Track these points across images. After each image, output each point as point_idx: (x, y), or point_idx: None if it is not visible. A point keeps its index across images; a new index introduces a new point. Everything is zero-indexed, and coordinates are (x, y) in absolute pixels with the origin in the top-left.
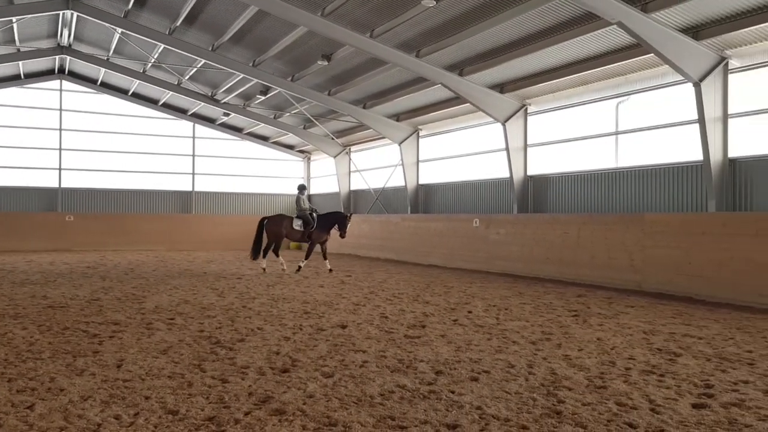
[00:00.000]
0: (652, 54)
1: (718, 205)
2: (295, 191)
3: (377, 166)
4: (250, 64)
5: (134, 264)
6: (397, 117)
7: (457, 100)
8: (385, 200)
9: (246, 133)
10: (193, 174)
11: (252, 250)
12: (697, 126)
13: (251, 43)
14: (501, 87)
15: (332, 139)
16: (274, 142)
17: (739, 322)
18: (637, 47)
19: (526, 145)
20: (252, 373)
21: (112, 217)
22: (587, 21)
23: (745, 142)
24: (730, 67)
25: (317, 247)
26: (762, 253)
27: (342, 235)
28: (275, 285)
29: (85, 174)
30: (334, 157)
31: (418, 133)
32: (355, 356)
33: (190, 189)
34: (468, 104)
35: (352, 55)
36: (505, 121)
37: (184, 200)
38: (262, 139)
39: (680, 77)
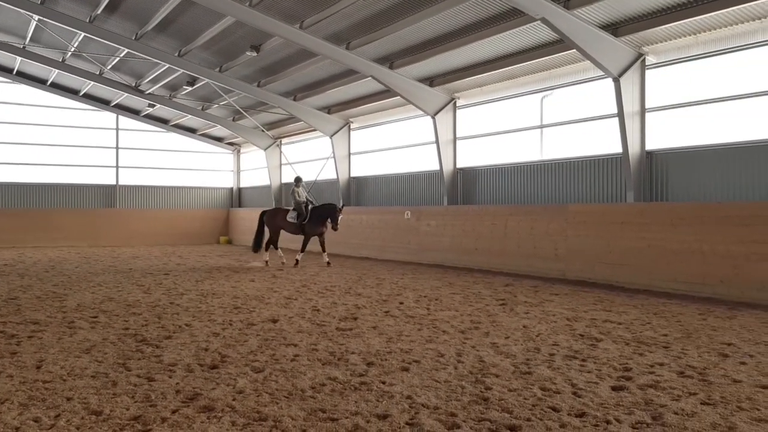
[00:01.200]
0: (574, 50)
1: (636, 196)
2: (221, 185)
3: (309, 158)
4: (176, 54)
5: (55, 261)
6: (329, 109)
7: (387, 93)
8: (317, 193)
9: (172, 125)
10: (117, 167)
11: (253, 243)
12: (616, 120)
13: (177, 32)
14: (431, 80)
15: (262, 131)
16: (202, 134)
17: (655, 307)
18: (560, 43)
19: (455, 138)
20: (180, 370)
21: (31, 212)
22: (513, 17)
23: (661, 136)
24: (647, 63)
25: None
26: (676, 241)
27: (334, 228)
28: (204, 280)
29: (1, 167)
30: (265, 149)
31: (349, 126)
32: (287, 350)
33: (114, 183)
34: (398, 97)
35: (282, 46)
36: (435, 115)
37: (108, 194)
38: (190, 131)
39: (601, 72)
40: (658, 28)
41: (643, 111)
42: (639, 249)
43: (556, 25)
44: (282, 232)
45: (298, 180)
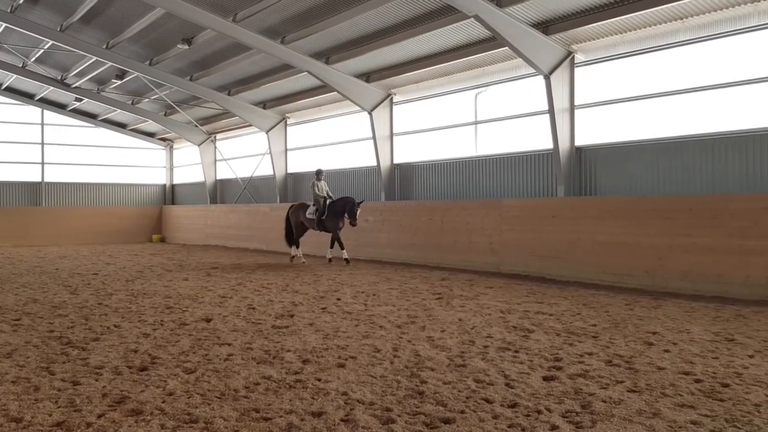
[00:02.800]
0: (507, 47)
1: (567, 191)
2: (153, 181)
3: (245, 154)
4: (104, 47)
5: None
6: (264, 104)
7: (324, 88)
8: (253, 189)
9: (101, 120)
10: (43, 163)
11: (285, 238)
12: (548, 116)
13: (104, 24)
14: (367, 76)
15: (196, 126)
16: (133, 130)
17: (585, 298)
18: (493, 41)
19: (392, 134)
20: (107, 373)
21: None
22: (448, 14)
23: (590, 132)
24: (576, 61)
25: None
26: (604, 234)
27: (352, 223)
28: (135, 280)
29: None
30: (199, 145)
31: (285, 121)
32: (220, 350)
33: (40, 180)
34: (335, 93)
35: (215, 39)
36: (372, 110)
37: (33, 192)
38: (120, 126)
39: (533, 70)
40: (586, 27)
41: (572, 108)
42: (569, 242)
43: (489, 22)
44: (309, 229)
45: (318, 173)
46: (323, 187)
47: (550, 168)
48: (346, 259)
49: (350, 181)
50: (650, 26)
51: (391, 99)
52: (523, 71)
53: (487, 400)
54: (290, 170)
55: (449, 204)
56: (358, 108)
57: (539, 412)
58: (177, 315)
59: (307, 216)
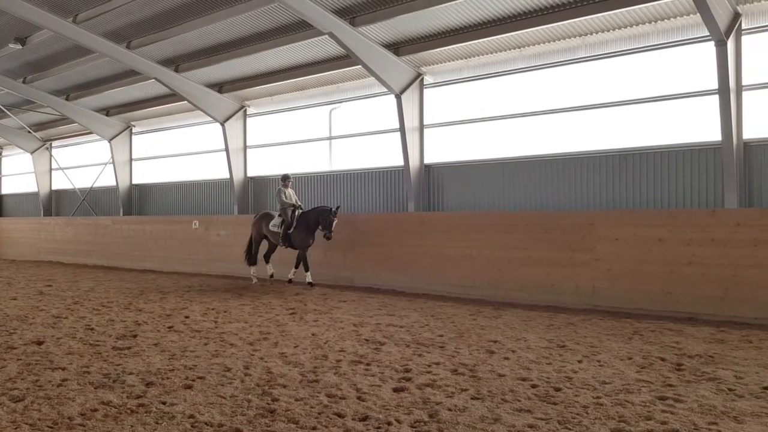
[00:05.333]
0: (360, 65)
1: (416, 206)
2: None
3: (84, 163)
4: None
5: None
6: (107, 111)
7: (174, 96)
8: (93, 201)
9: None
10: None
11: (245, 256)
12: (398, 134)
13: None
14: (220, 86)
15: (29, 132)
16: None
17: (433, 309)
18: (347, 58)
19: (245, 146)
20: None
21: None
22: (303, 29)
23: (438, 150)
24: (425, 83)
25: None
26: (451, 247)
27: (327, 236)
28: None
29: None
30: (32, 152)
31: (131, 130)
32: (53, 375)
33: None
34: (186, 102)
35: (53, 40)
36: (225, 122)
37: None
38: None
39: (385, 89)
40: (434, 51)
41: (422, 127)
42: (419, 255)
43: (343, 40)
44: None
45: (285, 178)
46: (291, 194)
47: (401, 184)
48: (309, 283)
49: (201, 193)
50: (492, 53)
51: (245, 111)
52: (375, 89)
53: (339, 415)
54: (135, 181)
55: None
56: (210, 119)
57: (389, 423)
58: (3, 338)
59: (271, 228)
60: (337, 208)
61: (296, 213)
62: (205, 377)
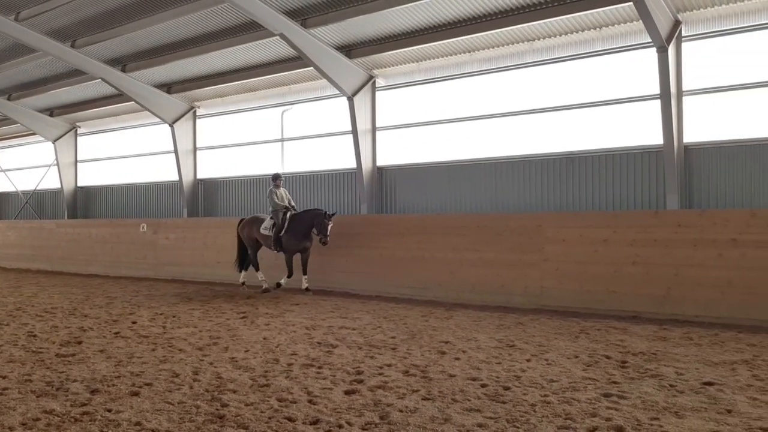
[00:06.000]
0: (312, 67)
1: (369, 208)
2: None
3: (27, 165)
4: None
5: None
6: (51, 112)
7: (121, 97)
8: (37, 204)
9: None
10: None
11: (236, 262)
12: (351, 136)
13: None
14: (168, 87)
15: None
16: None
17: (386, 311)
18: (299, 60)
19: (195, 148)
20: None
21: None
22: (253, 29)
23: (391, 153)
24: (377, 86)
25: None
26: (403, 249)
27: (323, 241)
28: None
29: None
30: None
31: (76, 131)
32: None
33: None
34: (134, 103)
35: None
36: (174, 123)
37: None
38: None
39: (337, 91)
40: (385, 54)
41: (374, 129)
42: (372, 257)
43: (294, 42)
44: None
45: (276, 177)
46: (284, 195)
47: (353, 186)
48: (278, 284)
49: (149, 196)
50: (443, 57)
51: (195, 112)
52: (328, 92)
53: (290, 419)
54: (81, 183)
55: None
56: (158, 120)
57: (340, 426)
58: None
59: (262, 231)
60: (333, 213)
61: (287, 215)
62: (153, 383)
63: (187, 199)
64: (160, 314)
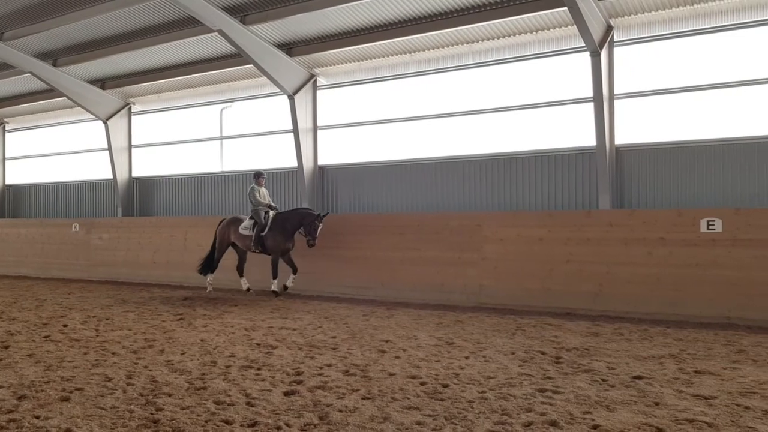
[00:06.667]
0: (252, 65)
1: (310, 207)
2: None
3: None
4: None
5: None
6: None
7: (52, 92)
8: None
9: None
10: None
11: (202, 262)
12: (292, 135)
13: None
14: (102, 83)
15: None
16: None
17: (327, 311)
18: (238, 57)
19: (130, 146)
20: None
21: None
22: (191, 25)
23: (332, 152)
24: (318, 84)
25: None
26: (345, 249)
27: (311, 243)
28: None
29: None
30: None
31: (4, 127)
32: None
33: None
34: (65, 98)
35: None
36: (108, 119)
37: None
38: None
39: (278, 89)
40: (327, 53)
41: (315, 128)
42: (313, 257)
43: (233, 38)
44: (238, 249)
45: (258, 175)
46: (265, 194)
47: (295, 185)
48: (274, 291)
49: (82, 194)
50: (384, 57)
51: (130, 108)
52: (268, 90)
53: (227, 422)
54: (8, 182)
55: (194, 220)
56: (91, 116)
57: (279, 428)
58: None
59: (241, 232)
60: (326, 213)
61: (270, 214)
62: (84, 388)
63: (121, 198)
64: (93, 317)
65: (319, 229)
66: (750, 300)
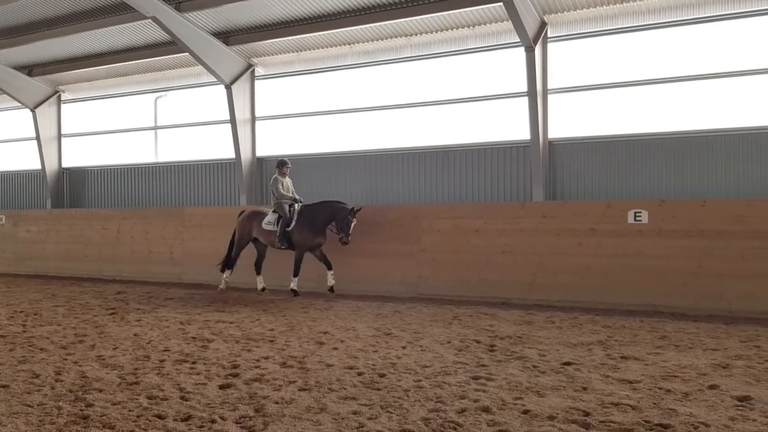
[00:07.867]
0: (188, 53)
1: (248, 199)
2: None
3: None
4: None
5: None
6: None
7: None
8: None
9: None
10: None
11: (224, 258)
12: (230, 126)
13: None
14: (30, 69)
15: None
16: None
17: (265, 304)
18: (173, 45)
19: (60, 135)
20: None
21: None
22: (123, 11)
23: (270, 144)
24: (256, 74)
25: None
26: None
27: (344, 241)
28: None
29: None
30: None
31: None
32: None
33: None
34: None
35: None
36: (36, 108)
37: None
38: None
39: (215, 78)
40: (265, 42)
41: (253, 119)
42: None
43: (168, 26)
44: (260, 245)
45: (282, 164)
46: (289, 185)
47: (233, 177)
48: (293, 290)
49: (8, 186)
50: (323, 48)
51: (59, 96)
52: (205, 79)
53: (160, 416)
54: None
55: (126, 212)
56: (18, 104)
57: (213, 421)
58: None
59: (264, 227)
60: (359, 208)
61: (295, 207)
62: (10, 385)
63: (50, 190)
64: (20, 312)
65: (352, 225)
66: (673, 288)
